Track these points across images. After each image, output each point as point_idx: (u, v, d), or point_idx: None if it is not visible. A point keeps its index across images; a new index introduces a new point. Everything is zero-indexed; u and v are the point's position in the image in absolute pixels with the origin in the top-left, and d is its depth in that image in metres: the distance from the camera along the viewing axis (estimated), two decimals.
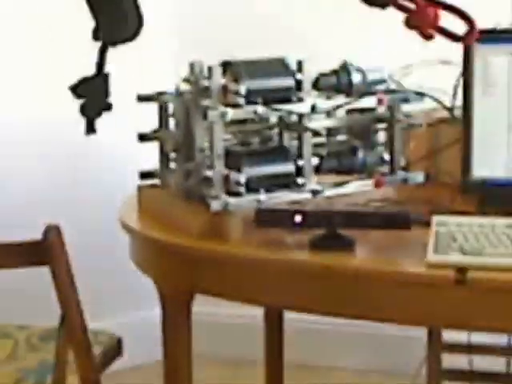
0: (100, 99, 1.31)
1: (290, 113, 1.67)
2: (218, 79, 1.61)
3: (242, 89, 1.60)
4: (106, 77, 1.25)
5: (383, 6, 0.91)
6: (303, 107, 1.67)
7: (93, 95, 1.33)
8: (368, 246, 1.54)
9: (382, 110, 1.76)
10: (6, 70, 2.70)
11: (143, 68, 2.77)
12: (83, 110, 1.38)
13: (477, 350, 2.28)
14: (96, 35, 1.06)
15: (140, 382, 2.75)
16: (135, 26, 1.07)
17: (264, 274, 1.55)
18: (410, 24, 0.77)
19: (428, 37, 0.75)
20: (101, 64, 1.17)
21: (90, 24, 1.39)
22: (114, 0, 1.01)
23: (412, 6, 0.80)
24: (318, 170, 1.71)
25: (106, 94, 1.37)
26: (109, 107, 1.36)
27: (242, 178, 1.61)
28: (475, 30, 0.70)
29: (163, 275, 1.71)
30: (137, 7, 1.02)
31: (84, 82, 1.31)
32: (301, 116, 1.67)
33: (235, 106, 1.60)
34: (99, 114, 1.49)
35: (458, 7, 0.73)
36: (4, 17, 2.68)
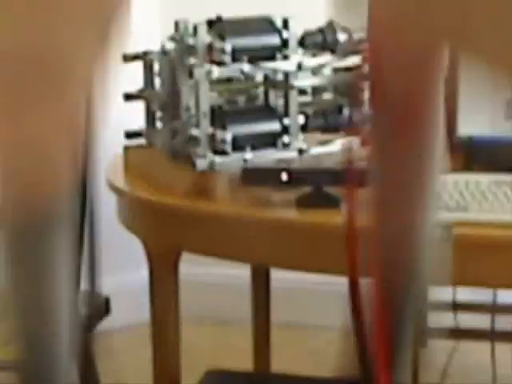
0: None
1: (276, 71, 1.66)
2: (204, 37, 1.60)
3: (228, 47, 1.60)
4: None
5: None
6: (289, 65, 1.66)
7: None
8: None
9: (367, 68, 1.75)
10: None
11: (128, 27, 2.75)
12: None
13: (462, 308, 2.30)
14: None
15: (128, 342, 2.76)
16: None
17: (251, 232, 1.55)
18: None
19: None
20: None
21: None
22: None
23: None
24: (304, 128, 1.71)
25: None
26: None
27: (228, 137, 1.61)
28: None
29: (150, 234, 1.72)
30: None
31: None
32: (287, 74, 1.67)
33: (221, 64, 1.60)
34: None
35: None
36: None
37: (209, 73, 1.58)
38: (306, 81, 1.71)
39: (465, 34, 0.68)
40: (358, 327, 0.82)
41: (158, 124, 1.78)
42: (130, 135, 1.82)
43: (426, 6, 0.69)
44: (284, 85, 1.67)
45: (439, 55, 0.70)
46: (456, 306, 2.27)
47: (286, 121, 1.67)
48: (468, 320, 2.33)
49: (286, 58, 1.66)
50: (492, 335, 2.30)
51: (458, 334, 2.33)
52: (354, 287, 0.84)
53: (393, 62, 0.72)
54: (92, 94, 0.63)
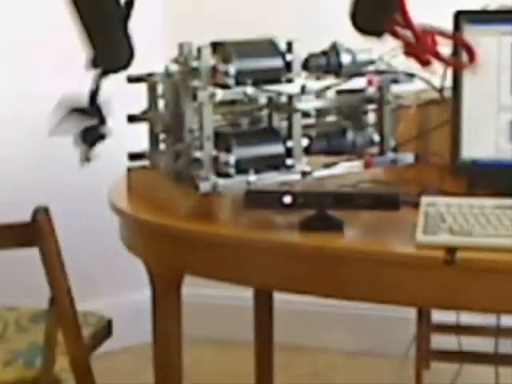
0: (95, 130, 1.29)
1: (280, 94, 1.66)
2: (208, 60, 1.60)
3: (232, 69, 1.60)
4: (99, 107, 1.24)
5: (379, 34, 0.89)
6: (293, 88, 1.66)
7: (88, 126, 1.31)
8: (357, 226, 1.55)
9: (371, 90, 1.76)
10: None
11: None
12: (77, 141, 1.35)
13: (465, 331, 2.29)
14: (94, 64, 1.12)
15: (130, 363, 2.75)
16: (127, 55, 1.15)
17: (254, 255, 1.55)
18: (408, 52, 0.75)
19: (426, 63, 0.73)
20: (96, 92, 1.19)
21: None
22: (106, 31, 1.10)
23: (408, 33, 0.78)
24: (307, 151, 1.71)
25: (102, 122, 1.35)
26: (103, 137, 1.33)
27: (232, 159, 1.60)
28: (476, 57, 0.68)
29: (153, 256, 1.71)
30: (128, 38, 1.11)
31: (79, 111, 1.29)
32: (290, 97, 1.67)
33: (224, 86, 1.60)
34: (94, 144, 1.47)
35: (457, 35, 0.72)
36: None
37: (212, 95, 1.58)
38: (309, 103, 1.71)
39: None
40: None
41: (162, 146, 1.78)
42: (133, 157, 1.83)
43: None
44: (288, 107, 1.67)
45: None
46: (460, 329, 2.26)
47: (290, 143, 1.67)
48: (472, 343, 2.32)
49: (289, 80, 1.66)
50: (496, 358, 2.29)
51: (462, 356, 2.32)
52: None
53: None
54: None
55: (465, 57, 0.69)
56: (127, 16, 1.14)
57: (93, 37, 1.13)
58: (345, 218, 1.52)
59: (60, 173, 2.78)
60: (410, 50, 0.75)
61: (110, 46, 1.11)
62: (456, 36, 0.68)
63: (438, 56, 0.69)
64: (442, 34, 0.72)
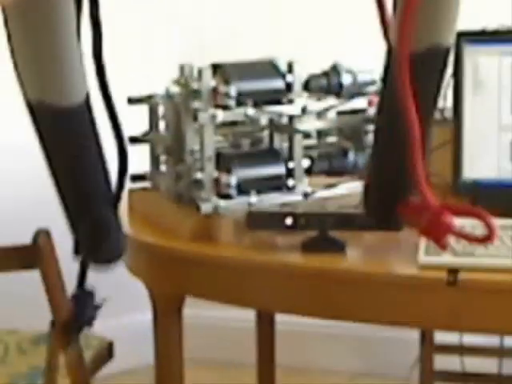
0: (87, 312, 1.16)
1: (281, 115, 1.66)
2: (208, 81, 1.60)
3: (232, 91, 1.60)
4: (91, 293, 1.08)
5: (398, 228, 0.87)
6: (294, 109, 1.66)
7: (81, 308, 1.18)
8: (359, 247, 1.54)
9: (372, 111, 1.76)
10: None
11: (133, 70, 2.76)
12: (71, 325, 1.23)
13: (469, 351, 2.28)
14: (77, 250, 0.91)
15: None
16: (117, 244, 0.93)
17: (255, 277, 1.54)
18: (423, 234, 0.73)
19: (443, 246, 0.71)
20: (83, 277, 1.04)
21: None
22: (89, 211, 0.87)
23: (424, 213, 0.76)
24: (308, 171, 1.71)
25: (95, 308, 1.22)
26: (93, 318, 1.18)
27: (233, 181, 1.60)
28: (494, 231, 0.66)
29: (154, 278, 1.71)
30: (117, 221, 0.90)
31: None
32: (291, 118, 1.67)
33: (225, 108, 1.60)
34: (89, 324, 1.38)
35: (474, 209, 0.71)
36: None
37: (213, 117, 1.58)
38: (310, 124, 1.71)
39: None
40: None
41: (163, 167, 1.78)
42: (134, 178, 1.82)
43: None
44: (289, 128, 1.67)
45: None
46: (463, 350, 2.25)
47: (291, 164, 1.67)
48: (475, 364, 2.30)
49: (290, 101, 1.66)
50: (499, 379, 2.28)
51: (465, 377, 2.31)
52: None
53: None
54: None
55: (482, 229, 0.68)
56: (119, 189, 0.92)
57: (72, 216, 0.91)
58: (346, 239, 1.52)
59: None
60: (425, 232, 0.73)
61: (94, 231, 0.89)
62: (473, 210, 0.67)
63: (456, 234, 0.68)
64: (459, 209, 0.70)
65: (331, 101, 1.72)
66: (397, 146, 0.75)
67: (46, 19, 0.72)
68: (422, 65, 0.72)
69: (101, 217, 0.83)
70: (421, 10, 0.68)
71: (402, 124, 0.70)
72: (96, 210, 0.83)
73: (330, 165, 1.75)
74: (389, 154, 0.79)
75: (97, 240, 0.86)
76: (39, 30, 0.73)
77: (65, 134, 0.81)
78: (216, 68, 1.64)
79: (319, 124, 1.73)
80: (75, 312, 0.99)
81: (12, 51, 0.76)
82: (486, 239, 0.69)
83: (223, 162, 1.62)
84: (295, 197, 1.67)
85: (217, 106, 1.60)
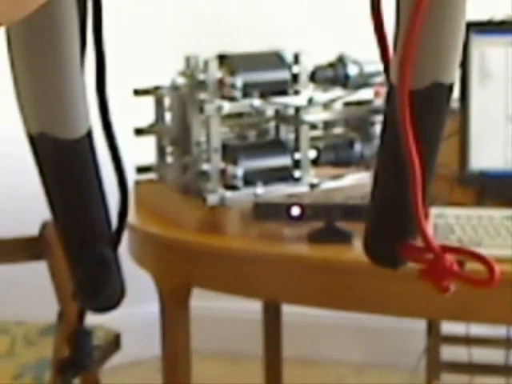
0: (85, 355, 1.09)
1: (287, 106, 1.66)
2: (214, 73, 1.60)
3: (238, 82, 1.60)
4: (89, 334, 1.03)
5: (394, 264, 0.85)
6: (300, 100, 1.66)
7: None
8: None
9: (378, 102, 1.75)
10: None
11: (139, 62, 2.76)
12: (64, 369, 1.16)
13: (475, 342, 2.28)
14: (75, 296, 0.86)
15: (139, 377, 2.74)
16: (118, 295, 0.88)
17: (262, 268, 1.54)
18: (424, 278, 0.71)
19: (444, 290, 0.69)
20: (81, 319, 0.99)
21: None
22: (94, 252, 0.83)
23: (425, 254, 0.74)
24: (315, 162, 1.71)
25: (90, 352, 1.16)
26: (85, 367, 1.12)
27: (239, 172, 1.60)
28: (496, 275, 0.65)
29: (161, 270, 1.71)
30: (118, 264, 0.85)
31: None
32: (297, 109, 1.67)
33: (231, 99, 1.60)
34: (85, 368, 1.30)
35: (478, 253, 0.69)
36: None
37: (219, 108, 1.58)
38: (316, 115, 1.70)
39: None
40: None
41: (169, 159, 1.78)
42: (140, 170, 1.82)
43: None
44: (295, 119, 1.67)
45: None
46: (470, 341, 2.25)
47: (297, 155, 1.67)
48: (482, 354, 2.30)
49: (296, 92, 1.66)
50: (506, 370, 2.27)
51: (472, 368, 2.31)
52: None
53: None
54: None
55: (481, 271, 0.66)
56: (119, 230, 0.85)
57: (72, 255, 0.83)
58: (353, 230, 1.51)
59: None
60: (426, 275, 0.72)
61: (92, 278, 0.83)
62: (474, 253, 0.66)
63: (459, 276, 0.66)
64: (461, 250, 0.69)
65: (337, 92, 1.71)
66: (397, 185, 0.74)
67: (51, 48, 0.72)
68: (423, 102, 0.71)
69: (102, 256, 0.81)
70: (422, 46, 0.68)
71: (403, 162, 0.69)
72: (97, 249, 0.81)
73: (336, 156, 1.74)
74: (388, 193, 0.78)
75: (96, 281, 0.83)
76: (43, 59, 0.72)
77: (65, 167, 0.80)
78: (222, 59, 1.64)
79: (325, 115, 1.73)
80: (72, 354, 0.94)
81: (15, 79, 0.75)
82: (488, 283, 0.68)
83: (229, 153, 1.62)
84: (302, 188, 1.67)
85: (223, 98, 1.60)
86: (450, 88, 0.73)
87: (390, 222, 0.80)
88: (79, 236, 0.83)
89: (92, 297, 0.85)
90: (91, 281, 0.81)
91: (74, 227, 0.84)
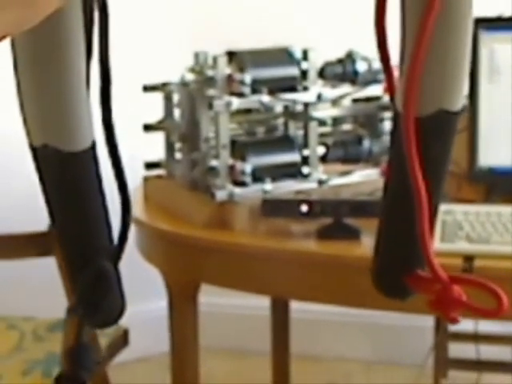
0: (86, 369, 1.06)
1: (296, 102, 1.66)
2: (223, 69, 1.60)
3: (247, 78, 1.60)
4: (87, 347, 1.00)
5: (404, 297, 0.84)
6: (309, 96, 1.66)
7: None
8: (374, 235, 1.54)
9: (387, 98, 1.75)
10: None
11: (148, 58, 2.77)
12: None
13: (483, 339, 2.28)
14: (75, 310, 0.85)
15: (147, 373, 2.75)
16: (118, 310, 0.88)
17: (270, 264, 1.55)
18: (433, 306, 0.71)
19: (453, 320, 0.69)
20: (80, 334, 0.97)
21: None
22: (96, 266, 0.82)
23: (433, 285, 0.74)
24: (323, 159, 1.71)
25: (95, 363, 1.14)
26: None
27: (248, 168, 1.60)
28: (504, 305, 0.64)
29: (169, 266, 1.71)
30: (118, 277, 0.84)
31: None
32: (306, 105, 1.67)
33: (240, 95, 1.60)
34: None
35: (487, 283, 0.69)
36: None
37: (228, 104, 1.58)
38: (325, 112, 1.70)
39: None
40: None
41: (178, 155, 1.78)
42: (149, 166, 1.83)
43: None
44: (304, 116, 1.67)
45: None
46: (478, 338, 2.25)
47: (306, 152, 1.67)
48: (490, 351, 2.30)
49: (305, 89, 1.66)
50: None
51: (480, 365, 2.31)
52: None
53: None
54: None
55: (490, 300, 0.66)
56: (120, 247, 0.83)
57: (71, 271, 0.84)
58: (361, 227, 1.52)
59: None
60: (434, 305, 0.72)
61: (91, 292, 0.82)
62: (483, 283, 0.65)
63: (467, 307, 0.66)
64: (469, 281, 0.69)
65: (346, 88, 1.71)
66: (404, 214, 0.74)
67: (56, 59, 0.72)
68: (429, 130, 0.71)
69: (102, 270, 0.81)
70: (427, 74, 0.68)
71: (410, 191, 0.69)
72: (98, 263, 0.81)
73: (344, 152, 1.74)
74: (395, 223, 0.78)
75: (96, 296, 0.83)
76: (48, 71, 0.72)
77: (68, 180, 0.79)
78: (231, 55, 1.64)
79: (334, 111, 1.73)
80: (70, 369, 0.92)
81: (19, 90, 0.75)
82: (496, 312, 0.68)
83: (238, 149, 1.62)
84: (310, 184, 1.67)
85: (232, 94, 1.60)
86: (456, 115, 0.72)
87: (398, 252, 0.79)
88: (79, 248, 0.82)
89: (91, 312, 0.84)
90: (91, 295, 0.81)
91: (74, 239, 0.83)
